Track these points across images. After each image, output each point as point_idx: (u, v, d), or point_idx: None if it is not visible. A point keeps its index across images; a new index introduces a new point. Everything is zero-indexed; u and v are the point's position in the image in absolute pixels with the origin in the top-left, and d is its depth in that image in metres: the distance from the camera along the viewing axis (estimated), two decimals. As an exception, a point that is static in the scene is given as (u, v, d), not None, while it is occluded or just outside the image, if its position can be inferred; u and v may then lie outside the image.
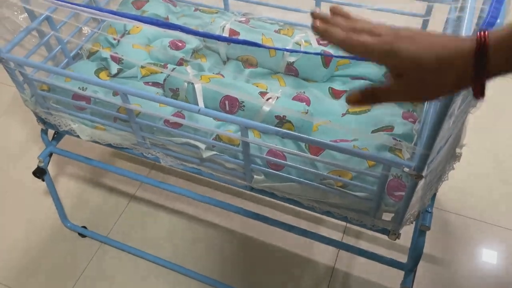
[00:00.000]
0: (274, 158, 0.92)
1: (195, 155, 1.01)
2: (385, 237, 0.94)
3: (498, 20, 0.65)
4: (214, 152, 0.98)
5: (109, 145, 1.08)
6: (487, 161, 1.54)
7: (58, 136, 1.30)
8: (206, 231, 1.43)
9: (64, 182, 1.58)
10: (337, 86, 1.14)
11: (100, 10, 0.82)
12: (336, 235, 1.40)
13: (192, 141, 0.97)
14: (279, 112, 0.99)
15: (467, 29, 0.62)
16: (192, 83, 1.03)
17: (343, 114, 1.07)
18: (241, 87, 1.04)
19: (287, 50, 1.07)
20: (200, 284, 1.31)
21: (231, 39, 0.71)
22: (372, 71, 1.14)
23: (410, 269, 0.98)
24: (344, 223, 1.41)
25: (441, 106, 0.61)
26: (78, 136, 1.09)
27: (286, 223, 1.09)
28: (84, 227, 1.44)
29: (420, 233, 0.97)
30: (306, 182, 0.91)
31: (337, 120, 1.06)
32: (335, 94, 1.13)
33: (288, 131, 0.84)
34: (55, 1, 0.84)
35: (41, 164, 1.26)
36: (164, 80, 1.08)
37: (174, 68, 1.10)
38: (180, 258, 1.37)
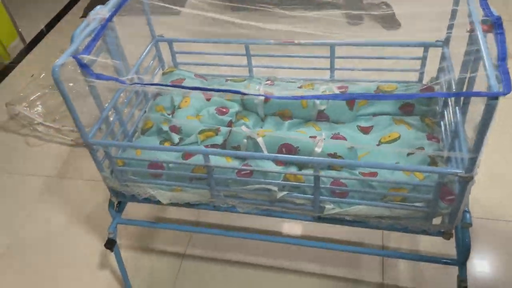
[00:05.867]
0: (340, 187, 1.11)
1: (267, 198, 1.18)
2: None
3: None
4: (286, 192, 1.15)
5: (187, 205, 1.23)
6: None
7: (120, 208, 1.43)
8: (258, 273, 1.57)
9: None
10: (363, 123, 1.37)
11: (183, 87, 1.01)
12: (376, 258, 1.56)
13: (265, 186, 1.14)
14: (330, 150, 1.19)
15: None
16: (252, 139, 1.22)
17: (378, 145, 1.28)
18: (293, 135, 1.23)
19: (321, 98, 1.27)
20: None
21: (279, 97, 0.94)
22: (388, 108, 1.38)
23: (463, 262, 1.16)
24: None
25: (486, 113, 0.83)
26: (157, 202, 1.23)
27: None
28: (147, 291, 1.54)
29: (463, 230, 1.16)
30: (371, 202, 1.10)
31: (374, 150, 1.27)
32: (364, 130, 1.35)
33: (357, 162, 1.04)
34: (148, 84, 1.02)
35: (111, 236, 1.38)
36: (224, 140, 1.27)
37: (230, 130, 1.29)
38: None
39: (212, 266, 1.62)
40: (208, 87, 1.45)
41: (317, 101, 1.36)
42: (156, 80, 1.58)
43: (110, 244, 1.39)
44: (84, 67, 0.99)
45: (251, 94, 0.97)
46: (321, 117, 1.38)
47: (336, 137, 1.31)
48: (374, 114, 1.39)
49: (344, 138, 1.31)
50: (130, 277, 1.58)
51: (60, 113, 2.26)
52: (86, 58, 1.01)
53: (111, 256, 1.64)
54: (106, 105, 1.26)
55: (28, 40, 2.91)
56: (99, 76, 1.00)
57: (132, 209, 1.44)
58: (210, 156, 1.11)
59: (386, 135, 1.29)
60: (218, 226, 1.71)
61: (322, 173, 1.13)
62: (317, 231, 1.64)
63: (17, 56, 2.80)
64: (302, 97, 1.03)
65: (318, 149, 1.20)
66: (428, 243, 1.57)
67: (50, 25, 3.03)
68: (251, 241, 1.60)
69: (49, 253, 1.71)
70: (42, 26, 3.01)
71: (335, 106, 1.35)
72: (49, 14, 3.11)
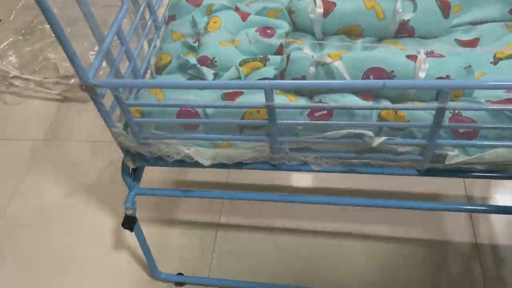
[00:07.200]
0: (467, 124, 0.76)
1: (354, 148, 0.83)
2: None
3: None
4: (385, 137, 0.80)
5: (239, 165, 0.87)
6: None
7: (136, 175, 1.07)
8: (308, 240, 1.26)
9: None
10: (462, 36, 1.00)
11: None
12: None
13: (356, 131, 0.79)
14: (440, 73, 0.83)
15: None
16: (323, 65, 0.85)
17: (494, 62, 0.92)
18: (381, 55, 0.86)
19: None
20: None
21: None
22: (493, 12, 1.01)
23: None
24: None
25: None
26: (195, 164, 0.87)
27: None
28: (180, 273, 1.22)
29: None
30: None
31: (491, 70, 0.91)
32: (467, 44, 0.98)
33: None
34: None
35: (130, 212, 1.03)
36: (283, 71, 0.89)
37: (288, 55, 0.91)
38: (302, 278, 1.18)
39: (253, 234, 1.29)
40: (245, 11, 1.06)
41: (399, 9, 0.97)
42: (164, 4, 1.17)
43: (129, 222, 1.04)
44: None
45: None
46: (403, 31, 0.99)
47: (431, 56, 0.94)
48: (472, 23, 1.02)
49: (443, 57, 0.94)
50: (157, 257, 1.24)
51: (39, 63, 1.84)
52: None
53: (127, 233, 1.30)
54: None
55: (-11, -21, 2.42)
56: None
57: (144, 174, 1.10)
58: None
59: (504, 48, 0.92)
60: (255, 187, 1.37)
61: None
62: (368, 184, 1.31)
63: (-22, -1, 2.32)
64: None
65: (422, 74, 0.83)
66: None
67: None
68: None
69: (47, 235, 1.36)
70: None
71: (425, 14, 0.97)
72: None
